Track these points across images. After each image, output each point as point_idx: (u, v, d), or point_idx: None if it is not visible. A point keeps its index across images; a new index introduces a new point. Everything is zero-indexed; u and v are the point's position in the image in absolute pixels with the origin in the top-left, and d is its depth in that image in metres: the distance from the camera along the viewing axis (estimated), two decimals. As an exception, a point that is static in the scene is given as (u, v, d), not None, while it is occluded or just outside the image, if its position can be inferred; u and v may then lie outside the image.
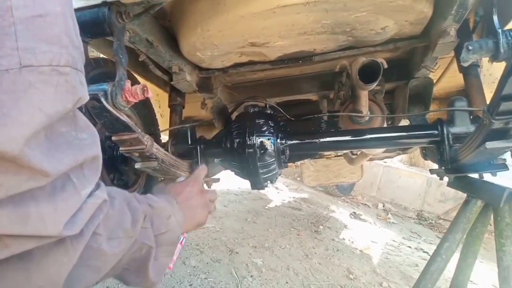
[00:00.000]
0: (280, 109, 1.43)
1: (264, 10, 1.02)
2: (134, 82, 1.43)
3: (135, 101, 0.94)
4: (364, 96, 1.34)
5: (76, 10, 0.95)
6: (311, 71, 1.82)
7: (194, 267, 1.71)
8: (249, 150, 1.29)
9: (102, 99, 0.91)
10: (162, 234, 0.69)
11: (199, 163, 1.44)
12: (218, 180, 1.56)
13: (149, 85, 1.90)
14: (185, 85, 1.57)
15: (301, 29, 1.17)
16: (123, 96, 0.92)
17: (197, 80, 1.64)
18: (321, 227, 3.20)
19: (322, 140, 1.35)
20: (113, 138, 1.05)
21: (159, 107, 2.09)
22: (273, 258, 2.16)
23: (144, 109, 1.76)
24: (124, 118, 0.98)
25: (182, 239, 0.99)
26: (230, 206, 3.33)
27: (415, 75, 1.45)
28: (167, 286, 1.49)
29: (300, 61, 1.51)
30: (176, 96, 1.72)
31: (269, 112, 1.41)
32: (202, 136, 1.52)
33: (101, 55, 1.52)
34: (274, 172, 1.37)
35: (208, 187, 1.53)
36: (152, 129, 1.83)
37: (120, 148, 1.09)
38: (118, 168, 1.49)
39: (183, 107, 1.75)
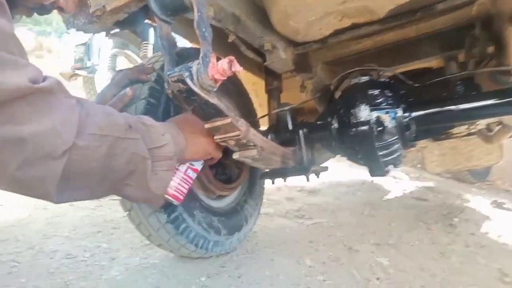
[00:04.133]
0: (399, 74, 1.16)
1: None
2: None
3: (223, 78, 0.81)
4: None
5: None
6: (430, 29, 1.48)
7: (310, 266, 1.54)
8: (363, 129, 1.06)
9: (188, 80, 0.80)
10: (158, 148, 0.75)
11: (302, 151, 1.26)
12: (326, 168, 1.36)
13: (244, 74, 1.79)
14: (280, 64, 1.41)
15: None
16: (209, 74, 0.80)
17: (293, 58, 1.46)
18: (455, 219, 2.69)
19: (461, 107, 1.03)
20: (206, 126, 0.94)
21: (256, 96, 1.98)
22: (401, 257, 1.85)
23: (239, 98, 1.67)
24: (214, 100, 0.86)
25: (195, 167, 1.01)
26: (343, 199, 3.06)
27: None
28: (283, 289, 1.38)
29: (419, 13, 1.21)
30: (272, 80, 1.57)
31: (384, 80, 1.15)
32: (304, 120, 1.33)
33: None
34: (398, 153, 1.11)
35: (317, 177, 1.34)
36: (250, 120, 1.73)
37: (215, 137, 0.98)
38: (221, 162, 1.41)
39: (281, 91, 1.60)
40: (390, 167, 1.15)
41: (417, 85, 1.12)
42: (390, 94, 1.07)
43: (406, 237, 2.17)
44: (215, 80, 0.81)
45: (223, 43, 1.31)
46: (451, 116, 1.05)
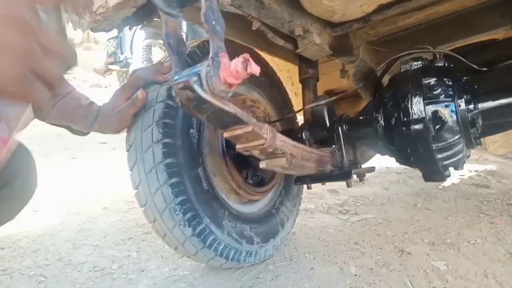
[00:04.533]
0: (459, 57, 0.93)
1: None
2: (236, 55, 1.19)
3: (238, 81, 0.67)
4: None
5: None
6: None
7: (355, 275, 1.38)
8: (416, 127, 0.87)
9: (196, 87, 0.66)
10: None
11: (342, 152, 1.08)
12: (373, 169, 1.18)
13: (277, 61, 1.62)
14: (315, 50, 1.23)
15: None
16: (221, 77, 0.66)
17: (330, 41, 1.27)
18: (524, 210, 2.38)
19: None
20: (225, 135, 0.81)
21: (292, 84, 1.81)
22: (461, 260, 1.62)
23: (272, 89, 1.51)
24: (229, 108, 0.72)
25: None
26: (393, 189, 2.82)
27: None
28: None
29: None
30: (307, 68, 1.40)
31: (442, 64, 0.93)
32: (344, 115, 1.15)
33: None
34: (461, 155, 0.90)
35: (361, 181, 1.17)
36: (285, 112, 1.56)
37: (237, 146, 0.84)
38: (251, 164, 1.28)
39: (318, 80, 1.42)
40: (450, 170, 0.95)
41: (484, 69, 0.90)
42: (450, 82, 0.86)
43: (466, 233, 1.92)
44: (229, 85, 0.67)
45: (247, 30, 1.16)
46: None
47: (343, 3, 0.99)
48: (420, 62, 0.93)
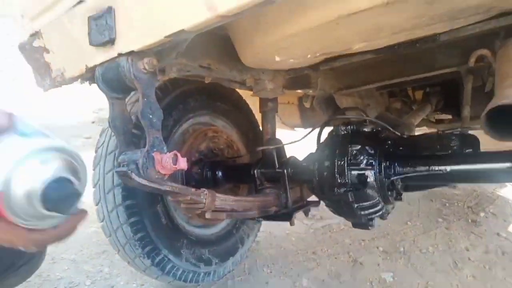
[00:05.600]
0: (384, 124, 1.04)
1: (322, 23, 0.67)
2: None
3: (169, 173, 0.78)
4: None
5: (99, 65, 0.82)
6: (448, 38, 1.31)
7: (305, 288, 1.55)
8: (339, 190, 0.99)
9: (133, 176, 0.77)
10: None
11: (288, 193, 1.21)
12: (318, 203, 1.30)
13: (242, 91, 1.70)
14: (269, 92, 1.32)
15: (395, 29, 0.76)
16: (155, 169, 0.76)
17: (285, 82, 1.36)
18: (482, 214, 2.54)
19: (452, 168, 0.91)
20: (170, 199, 0.92)
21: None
22: (409, 270, 1.79)
23: (237, 115, 1.60)
24: (166, 187, 0.83)
25: None
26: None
27: None
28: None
29: (418, 44, 1.06)
30: (266, 102, 1.48)
31: (369, 129, 1.04)
32: (292, 157, 1.26)
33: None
34: (381, 211, 1.03)
35: (306, 216, 1.30)
36: (250, 137, 1.67)
37: (181, 205, 0.96)
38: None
39: (276, 111, 1.51)
40: (375, 221, 1.08)
41: (405, 136, 1.00)
42: (372, 151, 0.97)
43: (420, 240, 2.09)
44: (162, 174, 0.78)
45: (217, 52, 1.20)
46: (440, 178, 0.94)
47: (286, 64, 1.07)
48: (348, 127, 1.03)
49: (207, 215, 1.03)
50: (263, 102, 1.49)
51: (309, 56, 0.91)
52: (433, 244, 2.07)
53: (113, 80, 0.80)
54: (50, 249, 1.62)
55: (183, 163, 0.76)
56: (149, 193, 1.20)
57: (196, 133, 1.40)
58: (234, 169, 1.42)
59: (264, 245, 1.87)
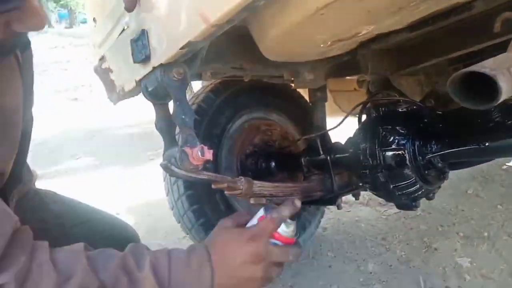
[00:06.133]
0: (419, 103, 1.00)
1: (307, 16, 0.70)
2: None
3: (200, 163, 0.90)
4: None
5: (143, 78, 0.98)
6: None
7: (371, 273, 1.53)
8: (373, 171, 1.00)
9: (173, 168, 0.92)
10: None
11: (333, 178, 1.24)
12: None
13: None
14: (310, 83, 1.36)
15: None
16: (190, 161, 0.90)
17: (328, 71, 1.38)
18: None
19: (492, 144, 0.85)
20: (213, 186, 1.05)
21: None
22: (491, 256, 1.62)
23: (291, 106, 1.66)
24: (203, 176, 0.96)
25: None
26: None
27: None
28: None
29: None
30: (314, 91, 1.53)
31: (404, 110, 1.02)
32: (336, 143, 1.29)
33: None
34: (421, 191, 1.00)
35: (356, 199, 1.31)
36: (306, 127, 1.72)
37: (225, 192, 1.09)
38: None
39: (326, 101, 1.54)
40: (419, 202, 1.05)
41: (440, 112, 0.95)
42: (404, 131, 0.95)
43: (510, 226, 1.86)
44: (196, 165, 0.91)
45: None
46: (479, 153, 0.88)
47: (315, 53, 1.10)
48: (380, 109, 1.02)
49: (251, 201, 1.13)
50: (311, 93, 1.53)
51: (322, 45, 0.93)
52: (525, 230, 1.83)
53: (153, 89, 0.96)
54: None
55: (208, 155, 0.88)
56: (206, 184, 1.36)
57: (250, 128, 1.51)
58: (285, 158, 1.49)
59: (331, 231, 1.90)
